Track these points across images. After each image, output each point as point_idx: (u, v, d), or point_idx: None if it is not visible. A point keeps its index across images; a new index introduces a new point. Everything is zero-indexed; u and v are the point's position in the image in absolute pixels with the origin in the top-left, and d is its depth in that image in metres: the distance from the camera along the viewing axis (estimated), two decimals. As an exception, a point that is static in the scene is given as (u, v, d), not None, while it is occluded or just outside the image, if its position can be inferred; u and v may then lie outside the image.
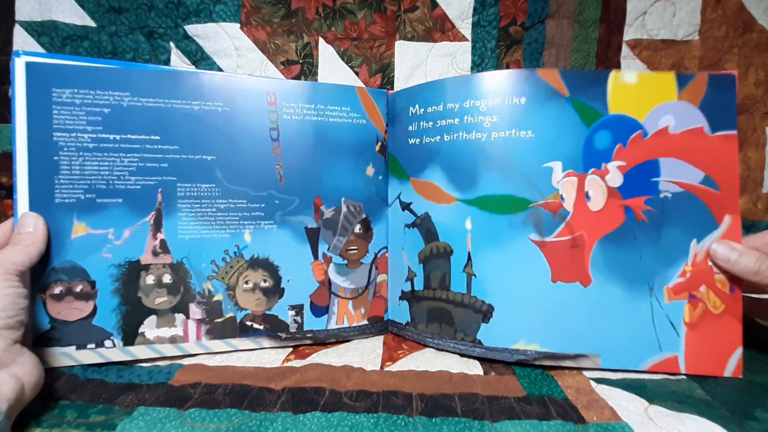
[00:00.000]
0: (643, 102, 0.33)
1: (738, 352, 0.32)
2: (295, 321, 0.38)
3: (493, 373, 0.33)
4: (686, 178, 0.32)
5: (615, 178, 0.33)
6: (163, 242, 0.34)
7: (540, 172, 0.33)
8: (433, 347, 0.38)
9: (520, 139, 0.33)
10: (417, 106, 0.37)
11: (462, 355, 0.36)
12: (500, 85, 0.34)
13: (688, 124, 0.32)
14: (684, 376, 0.33)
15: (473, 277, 0.35)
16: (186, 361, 0.35)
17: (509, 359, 0.34)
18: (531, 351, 0.34)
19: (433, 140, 0.36)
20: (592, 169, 0.33)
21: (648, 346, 0.33)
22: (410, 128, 0.38)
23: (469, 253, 0.35)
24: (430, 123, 0.36)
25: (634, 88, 0.33)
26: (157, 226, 0.34)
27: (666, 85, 0.33)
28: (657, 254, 0.33)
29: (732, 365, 0.32)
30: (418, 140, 0.37)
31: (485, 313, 0.35)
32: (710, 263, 0.32)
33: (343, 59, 0.50)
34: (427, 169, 0.37)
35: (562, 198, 0.33)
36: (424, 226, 0.37)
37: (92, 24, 0.47)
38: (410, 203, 0.38)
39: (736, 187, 0.32)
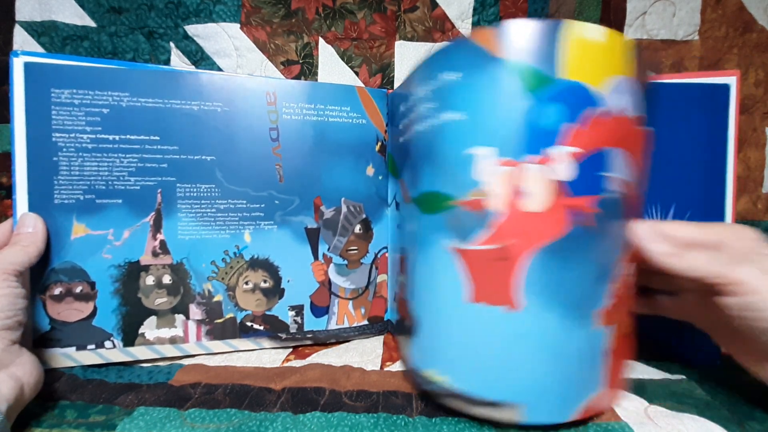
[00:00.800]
0: (606, 69, 0.25)
1: (627, 368, 0.29)
2: (296, 321, 0.38)
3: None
4: (629, 175, 0.26)
5: (565, 169, 0.24)
6: (162, 243, 0.34)
7: (463, 161, 0.26)
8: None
9: (451, 123, 0.27)
10: (403, 103, 0.35)
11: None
12: (439, 64, 0.28)
13: (636, 110, 0.26)
14: (683, 376, 0.33)
15: (406, 285, 0.32)
16: (186, 361, 0.35)
17: (424, 386, 0.29)
18: (439, 384, 0.27)
19: (406, 137, 0.34)
20: (533, 156, 0.24)
21: (580, 389, 0.26)
22: (400, 126, 0.37)
23: (408, 257, 0.32)
24: (407, 119, 0.34)
25: (597, 49, 0.24)
26: (157, 227, 0.34)
27: (628, 55, 0.25)
28: (599, 271, 0.25)
29: (625, 382, 0.29)
30: (402, 138, 0.36)
31: (410, 327, 0.31)
32: (628, 276, 0.27)
33: (343, 59, 0.50)
34: (403, 167, 0.35)
35: (488, 194, 0.25)
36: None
37: (92, 24, 0.47)
38: (399, 203, 0.38)
39: (642, 194, 0.27)
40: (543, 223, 0.24)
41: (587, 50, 0.24)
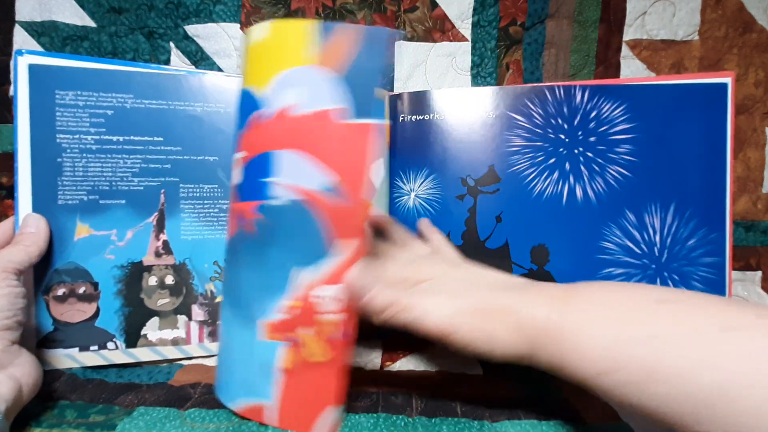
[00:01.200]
0: (271, 67, 0.23)
1: (330, 412, 0.25)
2: (296, 321, 0.38)
3: (492, 373, 0.33)
4: (307, 181, 0.23)
5: (236, 175, 0.26)
6: (165, 243, 0.35)
7: None
8: None
9: None
10: None
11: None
12: None
13: (320, 103, 0.23)
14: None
15: None
16: (186, 362, 0.35)
17: None
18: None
19: None
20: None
21: (241, 387, 0.26)
22: None
23: None
24: None
25: (262, 49, 0.23)
26: (160, 227, 0.34)
27: (301, 42, 0.22)
28: (261, 279, 0.25)
29: (323, 426, 0.25)
30: None
31: None
32: (316, 298, 0.24)
33: (343, 59, 0.50)
34: None
35: None
36: None
37: (92, 24, 0.47)
38: None
39: (365, 201, 0.23)
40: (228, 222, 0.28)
41: (256, 53, 0.24)
